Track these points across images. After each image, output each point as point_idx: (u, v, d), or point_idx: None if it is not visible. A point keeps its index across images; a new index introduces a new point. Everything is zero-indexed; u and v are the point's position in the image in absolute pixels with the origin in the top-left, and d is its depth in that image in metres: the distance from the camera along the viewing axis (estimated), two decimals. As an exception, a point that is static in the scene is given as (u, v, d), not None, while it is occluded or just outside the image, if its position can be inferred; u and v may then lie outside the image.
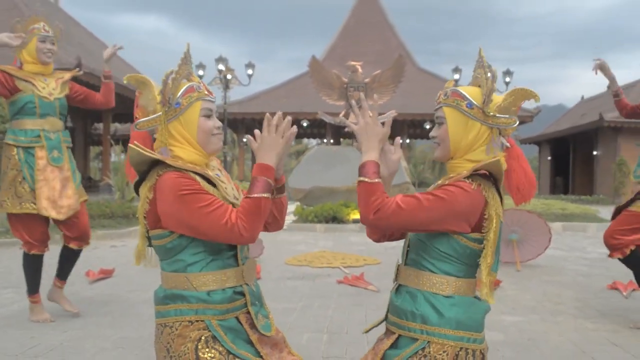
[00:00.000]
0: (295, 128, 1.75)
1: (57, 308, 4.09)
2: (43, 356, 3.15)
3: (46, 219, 3.91)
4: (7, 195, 3.83)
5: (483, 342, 1.71)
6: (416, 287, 1.71)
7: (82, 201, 4.05)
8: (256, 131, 1.74)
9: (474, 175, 1.66)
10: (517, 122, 1.72)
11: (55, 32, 3.99)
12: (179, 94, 1.76)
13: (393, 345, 1.71)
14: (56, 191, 3.85)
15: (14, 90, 3.84)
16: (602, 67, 4.05)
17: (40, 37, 3.87)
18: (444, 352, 1.62)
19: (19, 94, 3.84)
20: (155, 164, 1.75)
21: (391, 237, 1.93)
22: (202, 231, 1.65)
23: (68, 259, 4.11)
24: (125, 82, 1.91)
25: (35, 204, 3.78)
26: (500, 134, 1.74)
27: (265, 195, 1.66)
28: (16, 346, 3.32)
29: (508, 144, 1.78)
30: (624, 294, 4.91)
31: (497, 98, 1.72)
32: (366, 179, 1.63)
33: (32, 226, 3.88)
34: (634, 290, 5.01)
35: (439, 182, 1.77)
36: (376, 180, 1.63)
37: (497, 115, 1.69)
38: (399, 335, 1.71)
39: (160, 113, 1.76)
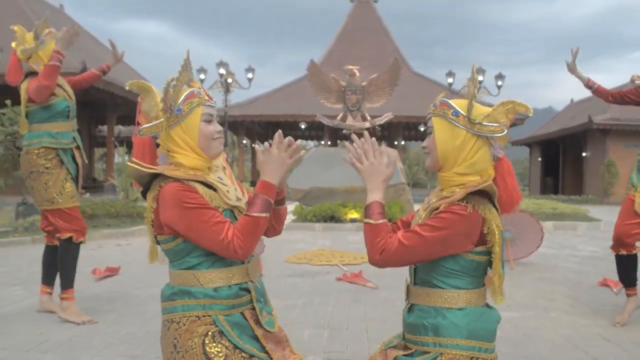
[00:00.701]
0: (303, 152, 1.75)
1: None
2: (52, 351, 3.14)
3: None
4: (56, 192, 3.89)
5: (494, 351, 1.70)
6: (428, 304, 1.70)
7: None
8: (266, 144, 1.74)
9: (468, 195, 1.64)
10: (505, 132, 1.69)
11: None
12: (180, 100, 1.75)
13: (407, 355, 1.70)
14: (69, 182, 4.00)
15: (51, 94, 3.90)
16: (570, 69, 4.20)
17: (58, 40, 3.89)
18: None
19: (53, 99, 3.87)
20: (156, 175, 1.76)
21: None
22: (200, 243, 1.69)
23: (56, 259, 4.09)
24: (127, 88, 1.90)
25: (78, 198, 4.01)
26: (490, 144, 1.71)
27: (263, 215, 1.68)
28: (26, 342, 3.31)
29: (500, 154, 1.75)
30: (614, 290, 4.93)
31: (484, 109, 1.71)
32: (371, 221, 1.66)
33: (79, 217, 4.00)
34: (623, 287, 5.03)
35: (433, 200, 1.73)
36: (380, 221, 1.65)
37: (484, 123, 1.67)
38: (415, 350, 1.70)
39: (162, 119, 1.76)
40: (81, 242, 3.98)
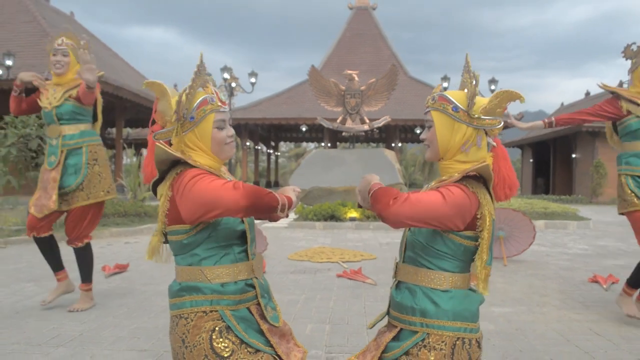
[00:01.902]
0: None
1: (73, 300, 4.10)
2: (64, 345, 3.14)
3: (51, 215, 3.93)
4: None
5: (478, 331, 1.71)
6: (415, 283, 1.70)
7: (75, 207, 3.96)
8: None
9: (465, 178, 1.66)
10: (502, 123, 1.70)
11: (75, 42, 3.94)
12: (193, 107, 1.75)
13: (395, 338, 1.71)
14: (45, 192, 3.91)
15: (35, 106, 4.00)
16: (521, 128, 4.05)
17: (53, 50, 3.88)
18: (442, 342, 1.62)
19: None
20: (175, 164, 1.76)
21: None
22: (210, 199, 1.59)
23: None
24: (144, 87, 1.90)
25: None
26: (486, 134, 1.73)
27: (278, 197, 1.63)
28: (39, 336, 3.31)
29: (494, 144, 1.77)
30: (604, 286, 4.92)
31: (482, 100, 1.71)
32: (380, 186, 1.61)
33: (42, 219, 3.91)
34: (613, 283, 5.03)
35: (432, 184, 1.75)
36: (381, 185, 1.61)
37: (482, 117, 1.67)
38: (401, 329, 1.70)
39: (175, 126, 1.75)
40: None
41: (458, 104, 1.69)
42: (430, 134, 1.73)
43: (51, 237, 4.00)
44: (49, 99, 3.91)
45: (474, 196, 1.64)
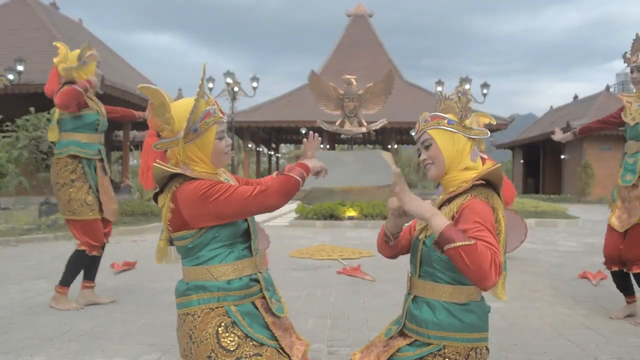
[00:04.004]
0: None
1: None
2: (75, 340, 3.12)
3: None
4: (77, 204, 3.86)
5: (487, 339, 1.69)
6: (434, 298, 1.65)
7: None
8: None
9: (475, 187, 1.62)
10: (489, 134, 1.77)
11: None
12: (197, 119, 1.74)
13: (410, 344, 1.67)
14: (111, 198, 3.99)
15: (84, 106, 3.88)
16: (559, 138, 4.18)
17: (97, 63, 4.02)
18: (457, 352, 1.59)
19: (86, 110, 3.89)
20: (173, 176, 1.75)
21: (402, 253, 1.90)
22: (231, 214, 1.66)
23: (94, 261, 4.05)
24: (138, 91, 1.88)
25: (98, 210, 3.92)
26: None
27: (297, 177, 1.70)
28: (51, 331, 3.30)
29: (485, 156, 1.78)
30: (593, 282, 4.92)
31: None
32: (465, 242, 1.40)
33: (96, 231, 3.93)
34: (601, 279, 5.02)
35: (442, 197, 1.72)
36: (473, 241, 1.40)
37: (473, 127, 1.72)
38: (415, 339, 1.66)
39: (177, 137, 1.73)
40: (94, 256, 3.95)
41: (451, 118, 1.71)
42: (432, 152, 1.71)
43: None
44: (100, 107, 4.02)
45: (489, 204, 1.62)
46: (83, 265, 3.95)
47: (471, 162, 1.71)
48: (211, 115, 1.76)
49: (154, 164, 1.73)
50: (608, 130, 4.01)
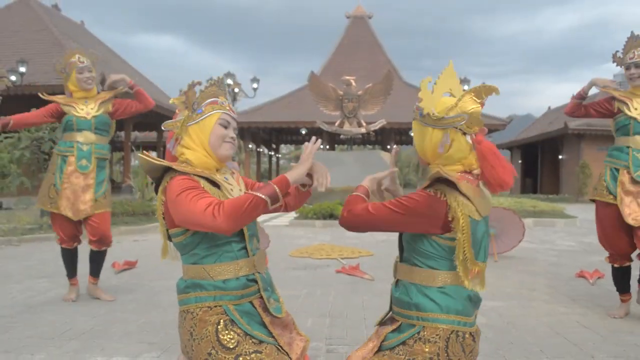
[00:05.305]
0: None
1: (87, 296, 4.07)
2: (77, 339, 3.12)
3: (78, 220, 4.00)
4: (43, 194, 4.02)
5: (473, 325, 1.70)
6: (410, 280, 1.72)
7: (102, 211, 4.02)
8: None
9: (435, 183, 1.65)
10: (466, 119, 1.63)
11: (92, 59, 4.09)
12: (204, 102, 1.78)
13: (395, 330, 1.72)
14: (77, 195, 3.94)
15: (62, 115, 4.03)
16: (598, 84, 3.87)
17: (78, 69, 4.00)
18: (436, 335, 1.62)
19: (65, 116, 4.02)
20: (166, 170, 1.75)
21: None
22: (189, 219, 1.58)
23: (92, 259, 4.16)
24: (170, 102, 1.92)
25: (57, 205, 3.94)
26: (465, 133, 1.66)
27: (263, 197, 1.60)
28: (52, 330, 3.30)
29: (472, 143, 1.69)
30: (590, 281, 4.92)
31: (449, 100, 1.67)
32: (355, 193, 1.85)
33: (63, 224, 4.02)
34: (598, 278, 5.02)
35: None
36: (359, 193, 1.83)
37: (446, 117, 1.64)
38: (401, 322, 1.72)
39: (183, 117, 1.78)
40: (65, 248, 4.07)
41: (422, 108, 1.68)
42: (414, 142, 1.79)
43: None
44: (85, 109, 4.01)
45: (438, 201, 1.62)
46: (64, 257, 4.12)
47: (453, 157, 1.66)
48: (218, 104, 1.79)
49: (139, 154, 1.76)
50: (595, 117, 3.95)
